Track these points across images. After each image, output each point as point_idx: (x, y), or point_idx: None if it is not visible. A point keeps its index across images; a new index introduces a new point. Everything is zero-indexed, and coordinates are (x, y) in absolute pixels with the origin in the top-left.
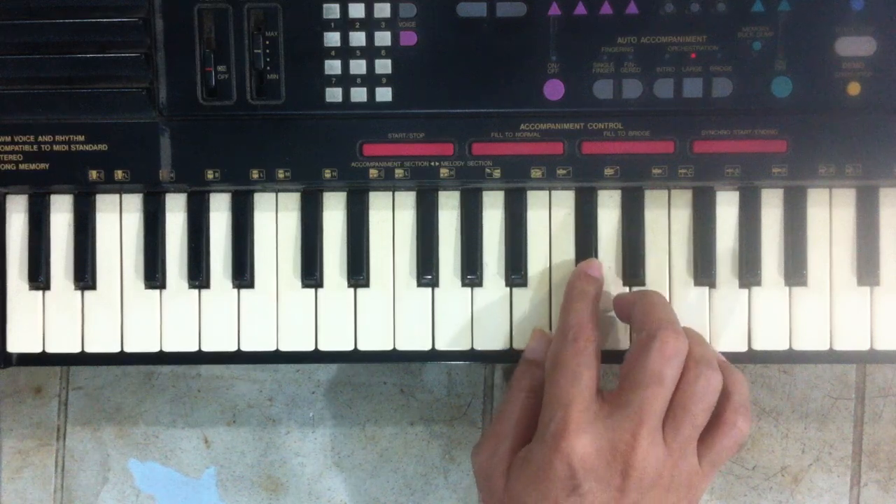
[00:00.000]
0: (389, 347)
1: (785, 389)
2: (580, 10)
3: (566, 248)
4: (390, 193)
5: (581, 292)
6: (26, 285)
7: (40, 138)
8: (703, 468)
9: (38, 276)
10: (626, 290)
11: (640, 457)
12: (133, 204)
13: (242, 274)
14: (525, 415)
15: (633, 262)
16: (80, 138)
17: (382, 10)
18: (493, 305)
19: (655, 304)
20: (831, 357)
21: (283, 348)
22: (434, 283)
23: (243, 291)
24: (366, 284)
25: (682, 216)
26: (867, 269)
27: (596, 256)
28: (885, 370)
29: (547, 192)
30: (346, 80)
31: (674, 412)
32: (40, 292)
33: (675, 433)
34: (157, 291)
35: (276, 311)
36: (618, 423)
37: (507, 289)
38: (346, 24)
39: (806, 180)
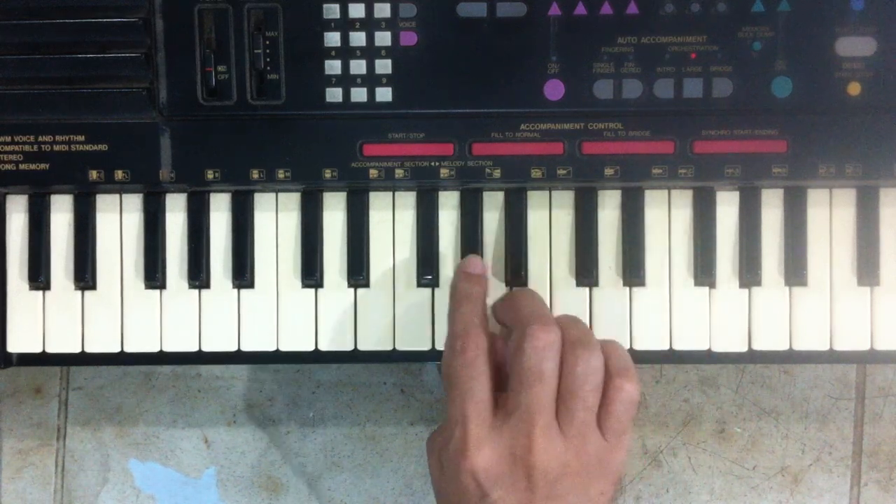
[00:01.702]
0: (389, 347)
1: (785, 389)
2: (580, 10)
3: (566, 248)
4: (390, 193)
5: (465, 295)
6: (26, 285)
7: (40, 138)
8: (608, 441)
9: (39, 276)
10: (626, 291)
11: (540, 456)
12: (133, 204)
13: (242, 274)
14: None
15: (633, 262)
16: (80, 138)
17: (382, 10)
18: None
19: (521, 302)
20: (831, 357)
21: (283, 348)
22: (434, 284)
23: (243, 291)
24: (366, 284)
25: (682, 216)
26: (867, 269)
27: (596, 256)
28: (885, 370)
29: (547, 192)
30: (346, 80)
31: (564, 400)
32: (40, 292)
33: (570, 420)
34: (157, 291)
35: (276, 311)
36: (513, 428)
37: (508, 289)
38: (346, 24)
39: (806, 180)
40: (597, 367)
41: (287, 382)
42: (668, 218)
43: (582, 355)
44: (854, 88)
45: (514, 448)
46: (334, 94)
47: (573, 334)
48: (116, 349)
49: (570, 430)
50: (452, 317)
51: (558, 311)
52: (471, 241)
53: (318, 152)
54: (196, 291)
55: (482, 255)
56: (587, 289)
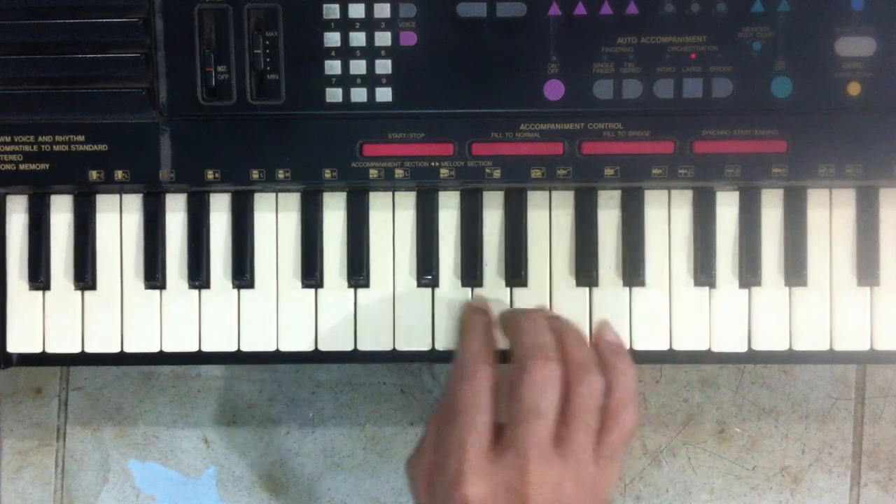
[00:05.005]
0: (389, 347)
1: (785, 389)
2: (580, 10)
3: (566, 248)
4: (390, 193)
5: (474, 324)
6: (26, 285)
7: (40, 138)
8: (598, 465)
9: (38, 277)
10: (626, 291)
11: (535, 489)
12: (133, 204)
13: (242, 274)
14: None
15: (633, 262)
16: (80, 138)
17: (382, 10)
18: (494, 305)
19: (523, 328)
20: (831, 357)
21: (283, 348)
22: (434, 283)
23: (243, 291)
24: (366, 284)
25: (682, 216)
26: (867, 269)
27: (596, 256)
28: (885, 370)
29: (547, 192)
30: (346, 80)
31: (566, 422)
32: (40, 292)
33: (570, 443)
34: (157, 291)
35: (276, 311)
36: (508, 462)
37: (507, 289)
38: (346, 24)
39: (806, 180)
40: (599, 389)
41: (287, 382)
42: (668, 218)
43: (584, 379)
44: (854, 88)
45: (511, 481)
46: (334, 94)
47: (577, 356)
48: (116, 349)
49: (568, 453)
50: (462, 344)
51: (558, 311)
52: (471, 241)
53: (318, 152)
54: (196, 291)
55: (482, 255)
56: (587, 289)
